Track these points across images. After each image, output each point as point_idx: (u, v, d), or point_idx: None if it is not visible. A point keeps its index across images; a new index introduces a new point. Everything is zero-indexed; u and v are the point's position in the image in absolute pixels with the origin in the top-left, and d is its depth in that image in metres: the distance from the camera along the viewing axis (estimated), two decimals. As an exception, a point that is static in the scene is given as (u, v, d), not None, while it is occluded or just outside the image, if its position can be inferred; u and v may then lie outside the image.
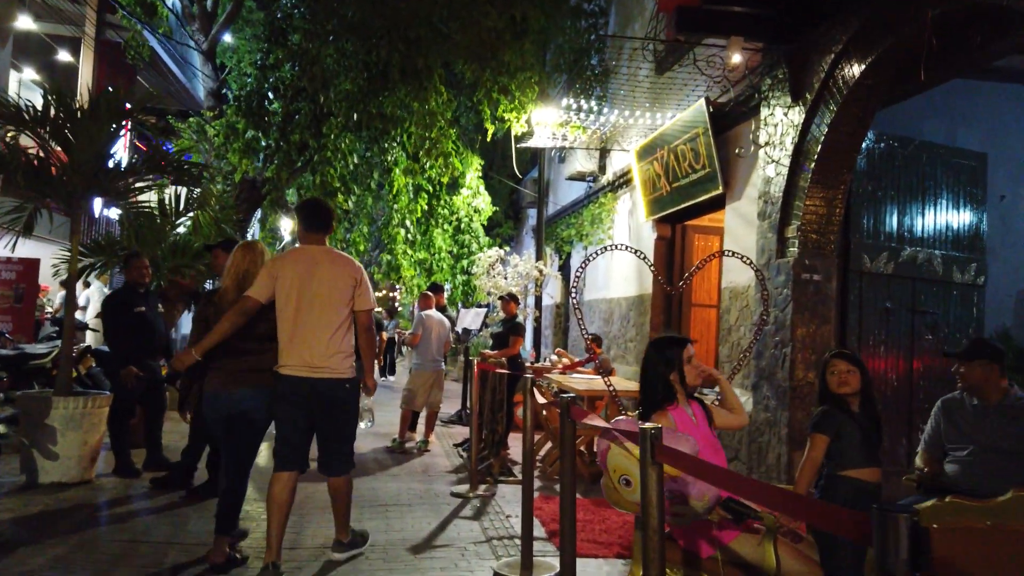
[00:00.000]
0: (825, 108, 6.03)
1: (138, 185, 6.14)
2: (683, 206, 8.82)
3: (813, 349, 6.21)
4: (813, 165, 6.13)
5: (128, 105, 5.88)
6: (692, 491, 2.71)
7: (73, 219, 5.61)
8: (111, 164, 5.88)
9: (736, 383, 7.34)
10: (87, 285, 11.67)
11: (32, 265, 10.27)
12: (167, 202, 7.21)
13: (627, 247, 6.23)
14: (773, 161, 6.65)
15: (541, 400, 4.56)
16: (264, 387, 3.93)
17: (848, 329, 6.45)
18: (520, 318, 8.56)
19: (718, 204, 8.26)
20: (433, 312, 8.15)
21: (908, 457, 6.66)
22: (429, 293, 8.38)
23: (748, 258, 6.17)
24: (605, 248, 6.08)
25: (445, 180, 9.52)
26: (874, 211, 6.68)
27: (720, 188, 7.84)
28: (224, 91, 11.35)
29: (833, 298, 6.31)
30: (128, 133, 11.83)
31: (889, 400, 6.55)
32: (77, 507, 5.04)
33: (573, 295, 6.03)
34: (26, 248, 12.09)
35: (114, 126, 5.73)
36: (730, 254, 6.10)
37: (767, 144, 6.76)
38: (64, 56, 15.70)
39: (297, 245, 4.24)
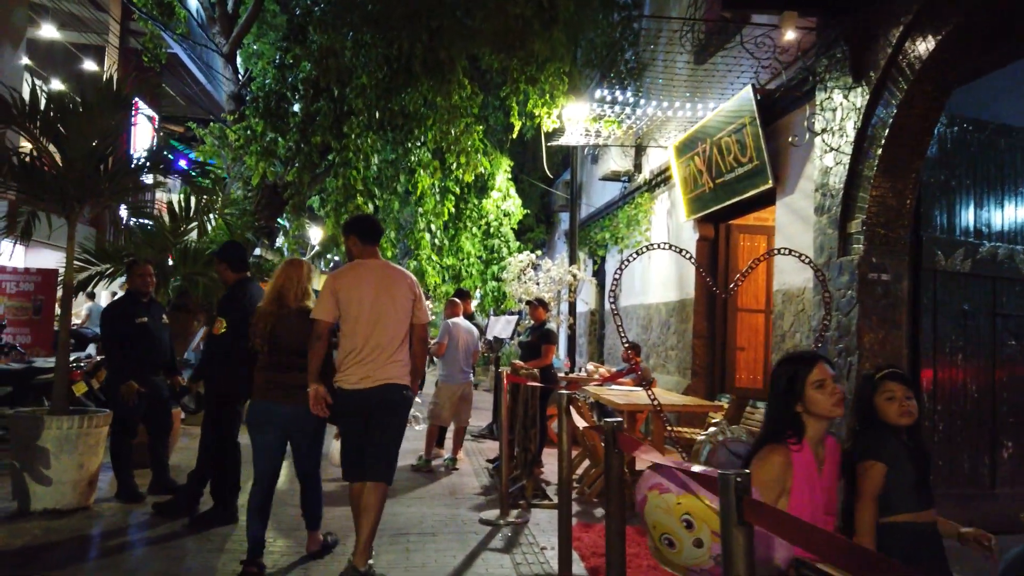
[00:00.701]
0: (893, 87, 5.38)
1: (140, 186, 5.69)
2: (728, 203, 8.19)
3: (883, 357, 5.53)
4: (880, 151, 5.48)
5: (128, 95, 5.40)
6: (778, 553, 2.10)
7: (69, 222, 5.19)
8: (112, 162, 5.45)
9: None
10: (91, 297, 11.35)
11: (50, 276, 9.97)
12: (178, 205, 6.79)
13: (671, 246, 5.63)
14: (832, 149, 6.00)
15: (580, 423, 3.95)
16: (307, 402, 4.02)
17: (922, 335, 5.77)
18: (551, 324, 7.98)
19: (767, 200, 7.62)
20: (460, 320, 7.61)
21: (992, 480, 5.95)
22: (456, 300, 7.84)
23: (806, 256, 5.54)
24: (647, 247, 5.49)
25: (469, 178, 9.00)
26: (947, 203, 6.00)
27: (770, 182, 7.20)
28: (245, 94, 10.99)
29: (904, 300, 5.63)
30: (135, 128, 11.52)
31: (969, 415, 5.85)
32: (68, 538, 4.58)
33: (611, 300, 5.45)
34: (42, 258, 11.87)
35: (113, 121, 5.29)
36: (786, 252, 5.48)
37: (824, 131, 6.12)
38: (90, 65, 15.60)
39: (355, 261, 4.25)
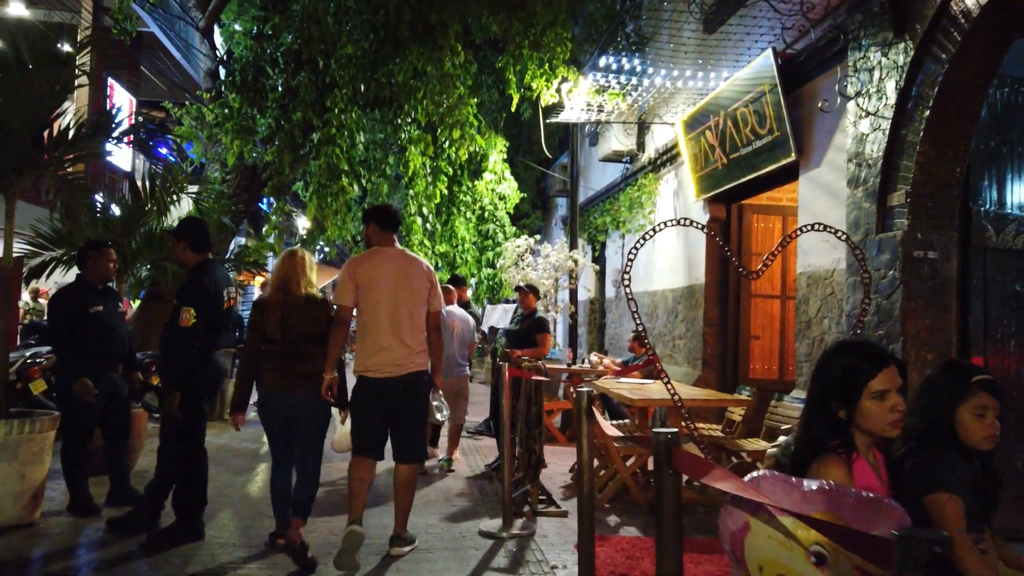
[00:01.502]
0: (944, 39, 4.77)
1: (95, 152, 5.03)
2: (743, 180, 7.58)
3: (930, 346, 4.95)
4: (927, 113, 4.87)
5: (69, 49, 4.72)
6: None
7: (7, 199, 4.53)
8: (57, 130, 4.78)
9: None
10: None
11: (16, 264, 9.30)
12: (140, 184, 6.13)
13: (692, 222, 5.01)
14: (868, 114, 5.39)
15: (613, 432, 3.31)
16: (319, 388, 4.05)
17: (971, 320, 5.17)
18: (541, 312, 7.36)
19: (788, 175, 7.01)
20: (455, 308, 6.97)
21: (1048, 479, 5.37)
22: (450, 287, 7.20)
23: (843, 233, 4.93)
24: (666, 224, 4.87)
25: (463, 155, 8.34)
26: (997, 172, 5.39)
27: (792, 155, 6.59)
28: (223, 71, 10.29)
29: (954, 281, 5.04)
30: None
31: (1023, 409, 5.26)
32: (1, 561, 3.95)
33: (625, 284, 4.83)
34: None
35: (56, 81, 4.62)
36: (820, 228, 4.86)
37: (859, 94, 5.51)
38: (66, 47, 14.85)
39: (373, 248, 4.32)
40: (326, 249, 24.52)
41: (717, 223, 8.68)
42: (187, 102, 10.69)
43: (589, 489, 3.00)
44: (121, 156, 15.82)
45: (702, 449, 5.03)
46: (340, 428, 4.72)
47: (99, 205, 6.87)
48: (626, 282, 4.95)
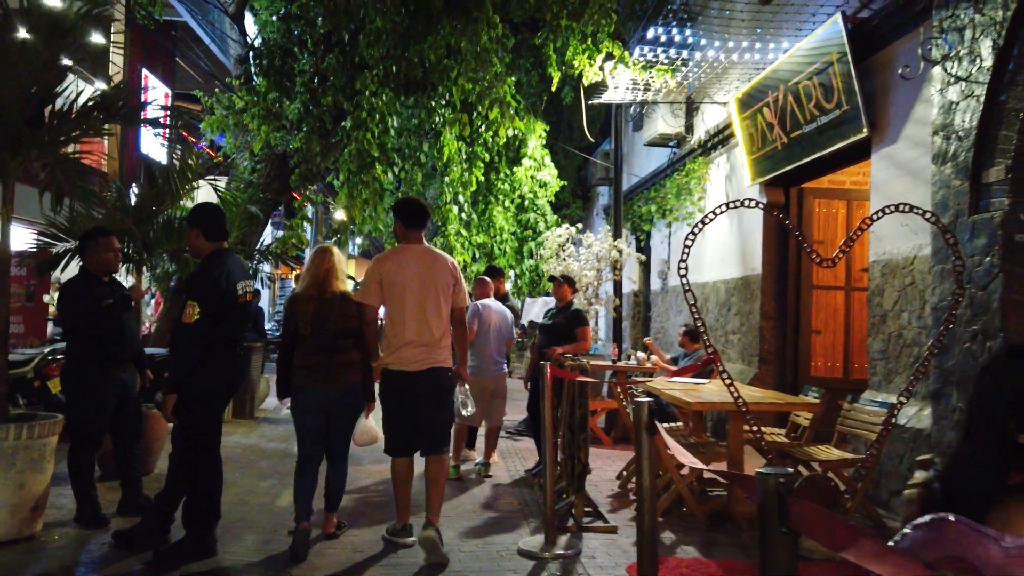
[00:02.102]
0: (1056, -13, 4.10)
1: (99, 129, 4.64)
2: (806, 161, 6.94)
3: (1036, 342, 4.29)
4: (1034, 75, 4.21)
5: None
6: None
7: (3, 183, 4.16)
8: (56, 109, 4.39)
9: (896, 388, 5.48)
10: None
11: (31, 256, 9.09)
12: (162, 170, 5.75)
13: (758, 204, 4.44)
14: (958, 80, 4.74)
15: (686, 459, 2.74)
16: (352, 382, 4.27)
17: (1083, 313, 4.49)
18: (580, 305, 6.84)
19: (859, 154, 6.38)
20: (491, 302, 6.47)
21: None
22: (485, 278, 6.70)
23: (932, 214, 4.32)
24: (729, 205, 4.32)
25: (502, 138, 7.85)
26: (1111, 144, 4.69)
27: (864, 130, 5.95)
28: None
29: (1063, 268, 4.38)
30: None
31: None
32: (-6, 582, 3.59)
33: (682, 271, 4.29)
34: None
35: (57, 55, 4.24)
36: (905, 209, 4.25)
37: (947, 58, 4.85)
38: (97, 38, 14.72)
39: (398, 245, 4.39)
40: (358, 240, 24.26)
41: (775, 209, 8.03)
42: (217, 90, 10.36)
43: (651, 522, 2.47)
44: (159, 151, 15.70)
45: (769, 460, 4.47)
46: (362, 422, 4.62)
47: (115, 192, 6.49)
48: (683, 271, 4.41)
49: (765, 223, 8.03)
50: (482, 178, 9.32)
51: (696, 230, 4.42)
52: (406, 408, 4.18)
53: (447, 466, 4.38)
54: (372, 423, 4.61)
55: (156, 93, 15.42)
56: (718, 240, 9.23)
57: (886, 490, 5.34)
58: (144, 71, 14.79)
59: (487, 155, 9.23)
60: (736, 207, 4.37)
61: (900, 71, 5.26)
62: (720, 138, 9.14)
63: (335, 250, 4.46)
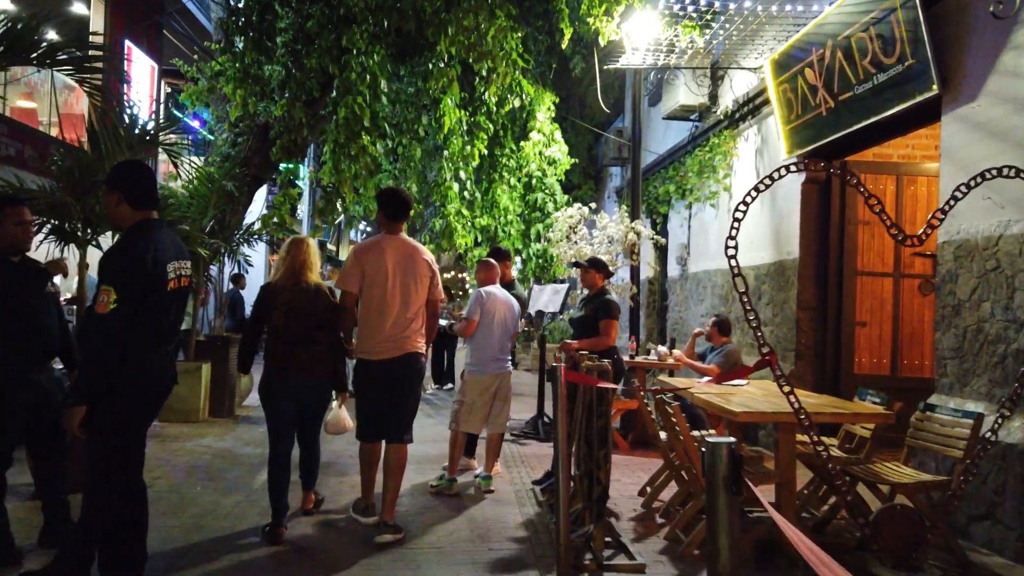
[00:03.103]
0: None
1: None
2: (857, 127, 6.03)
3: None
4: None
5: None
6: None
7: None
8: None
9: (973, 393, 4.60)
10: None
11: None
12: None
13: (824, 166, 3.56)
14: (1070, 15, 3.82)
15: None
16: (321, 374, 4.37)
17: None
18: (612, 294, 5.96)
19: (925, 116, 5.47)
20: (496, 289, 5.57)
21: None
22: (491, 260, 5.76)
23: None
24: (788, 169, 3.44)
25: (508, 104, 6.98)
26: None
27: (935, 87, 5.03)
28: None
29: None
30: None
31: None
32: None
33: (731, 250, 3.43)
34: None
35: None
36: (1011, 174, 3.37)
37: (1053, -10, 3.94)
38: (79, 7, 13.81)
39: (380, 235, 4.49)
40: (368, 229, 23.39)
41: (815, 185, 7.13)
42: (197, 58, 9.50)
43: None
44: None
45: (838, 486, 3.61)
46: (334, 411, 4.78)
47: (61, 159, 5.62)
48: (732, 250, 3.56)
49: (804, 200, 7.13)
50: (485, 152, 8.43)
51: (749, 199, 3.56)
52: (380, 394, 4.30)
53: (405, 455, 4.39)
54: (344, 413, 4.79)
55: (141, 67, 14.56)
56: (747, 221, 8.31)
57: (964, 515, 4.47)
58: (127, 43, 13.91)
59: (491, 126, 8.33)
60: (796, 171, 3.49)
61: (991, 8, 4.34)
62: (750, 108, 8.22)
63: (311, 241, 4.56)
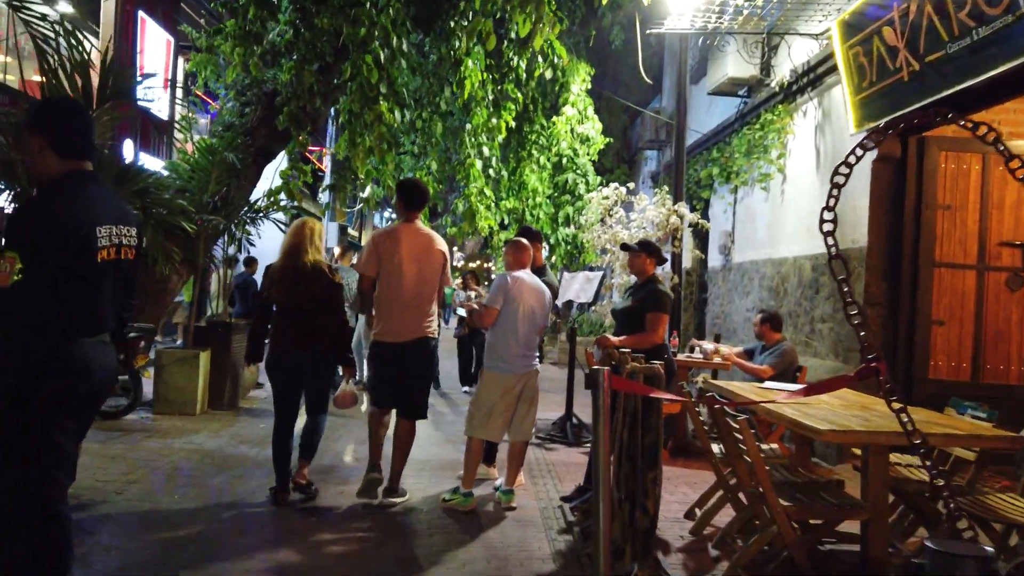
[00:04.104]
0: None
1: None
2: (948, 93, 5.16)
3: None
4: None
5: None
6: None
7: None
8: None
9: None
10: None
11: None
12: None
13: (971, 124, 2.75)
14: None
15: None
16: (320, 347, 4.49)
17: None
18: (664, 285, 5.16)
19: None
20: (524, 274, 4.75)
21: None
22: (522, 240, 4.91)
23: None
24: (937, 116, 2.63)
25: (539, 69, 6.20)
26: None
27: (1056, 40, 4.16)
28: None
29: None
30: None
31: None
32: None
33: (827, 222, 2.61)
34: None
35: None
36: None
37: None
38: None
39: (397, 223, 4.71)
40: (392, 216, 22.73)
41: (888, 163, 6.28)
42: (204, 21, 8.81)
43: None
44: (159, 104, 14.25)
45: (960, 524, 2.81)
46: (343, 386, 4.81)
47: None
48: (829, 224, 2.77)
49: (874, 181, 6.27)
50: (513, 125, 7.64)
51: (853, 158, 2.76)
52: (393, 374, 4.50)
53: (413, 431, 4.62)
54: (352, 387, 4.81)
55: (155, 40, 13.96)
56: (802, 205, 7.49)
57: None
58: (140, 14, 13.30)
59: (520, 95, 7.54)
60: (948, 120, 2.70)
61: None
62: (810, 78, 7.36)
63: (313, 222, 4.68)
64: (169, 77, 14.59)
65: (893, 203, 6.27)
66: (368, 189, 8.86)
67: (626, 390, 3.15)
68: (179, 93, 14.27)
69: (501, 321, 4.55)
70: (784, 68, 7.86)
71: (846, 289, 2.79)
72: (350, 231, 21.58)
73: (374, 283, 4.51)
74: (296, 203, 7.06)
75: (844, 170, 2.85)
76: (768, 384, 4.56)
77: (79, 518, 3.93)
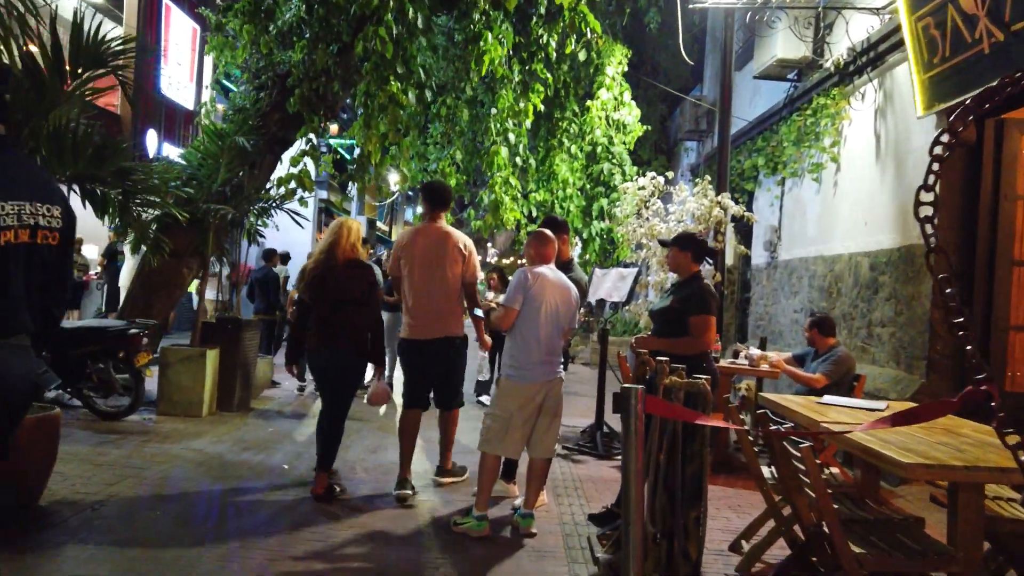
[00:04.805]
0: None
1: None
2: (1040, 65, 4.48)
3: None
4: None
5: None
6: None
7: None
8: None
9: None
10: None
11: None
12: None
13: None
14: None
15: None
16: (342, 348, 4.44)
17: None
18: (707, 281, 4.57)
19: None
20: (548, 269, 4.19)
21: None
22: (545, 231, 4.33)
23: None
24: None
25: (569, 48, 5.62)
26: None
27: None
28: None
29: None
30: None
31: None
32: None
33: (925, 205, 2.00)
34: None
35: None
36: None
37: None
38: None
39: (421, 223, 4.79)
40: (419, 210, 22.30)
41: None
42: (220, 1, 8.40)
43: None
44: (184, 93, 13.98)
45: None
46: (374, 384, 4.82)
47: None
48: (927, 206, 2.19)
49: (948, 166, 5.58)
50: (541, 108, 7.07)
51: (961, 122, 2.17)
52: (419, 369, 4.62)
53: (456, 417, 4.81)
54: (383, 385, 4.82)
55: (181, 29, 13.67)
56: (859, 197, 6.82)
57: None
58: (165, 0, 13.01)
59: (549, 77, 6.97)
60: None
61: None
62: (869, 57, 6.69)
63: (351, 222, 4.65)
64: (195, 66, 14.36)
65: (966, 194, 5.62)
66: (395, 177, 8.39)
67: (664, 415, 2.59)
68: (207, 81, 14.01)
69: (520, 323, 4.01)
70: (840, 47, 7.19)
71: (949, 290, 2.20)
72: (380, 225, 21.20)
73: (399, 280, 4.66)
74: (309, 192, 6.59)
75: (946, 139, 2.25)
76: (829, 399, 3.94)
77: (39, 541, 3.51)
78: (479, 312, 4.81)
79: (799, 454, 2.72)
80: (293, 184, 6.61)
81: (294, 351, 4.74)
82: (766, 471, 3.52)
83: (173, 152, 12.17)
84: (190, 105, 13.88)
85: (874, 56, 6.60)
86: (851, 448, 3.08)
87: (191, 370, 6.62)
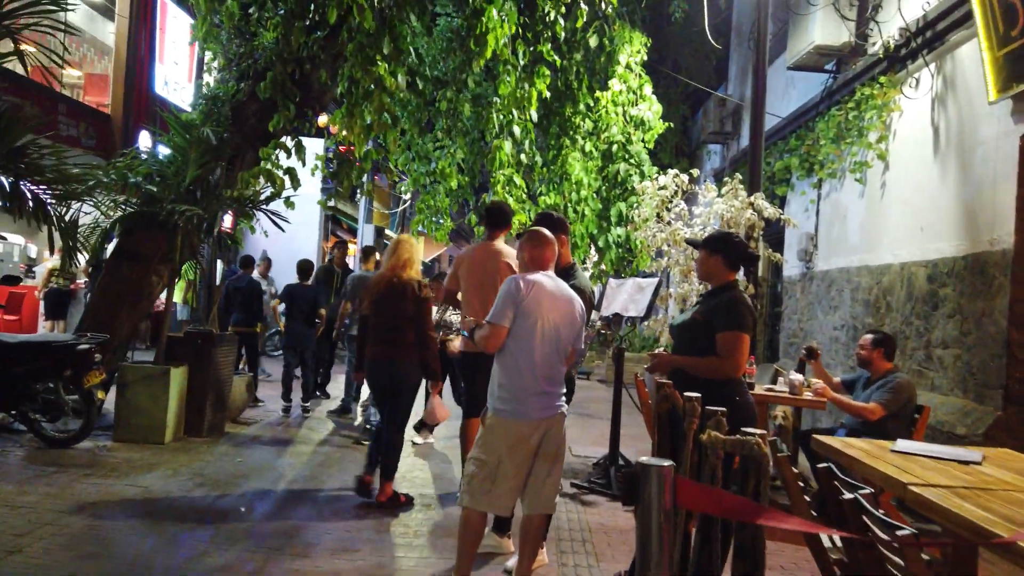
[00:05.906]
0: None
1: None
2: None
3: None
4: None
5: None
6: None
7: None
8: None
9: None
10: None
11: None
12: None
13: None
14: None
15: None
16: (395, 361, 4.65)
17: None
18: (744, 295, 3.71)
19: None
20: (545, 277, 3.35)
21: None
22: (541, 230, 3.53)
23: None
24: None
25: (581, 20, 4.85)
26: None
27: None
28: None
29: None
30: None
31: None
32: None
33: None
34: None
35: None
36: None
37: None
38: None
39: (477, 244, 4.91)
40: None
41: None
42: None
43: None
44: (183, 94, 13.38)
45: None
46: (432, 400, 4.78)
47: None
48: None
49: (1023, 164, 4.73)
50: (547, 93, 6.27)
51: None
52: (477, 379, 4.36)
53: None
54: (440, 402, 4.80)
55: (178, 25, 13.07)
56: (914, 199, 5.96)
57: None
58: (158, -6, 12.42)
59: (557, 60, 6.18)
60: None
61: None
62: (925, 38, 5.84)
63: (408, 240, 4.90)
64: (194, 66, 13.76)
65: (1050, 192, 4.73)
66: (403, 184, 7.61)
67: (708, 511, 1.75)
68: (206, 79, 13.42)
69: (511, 343, 3.19)
70: (890, 28, 6.34)
71: None
72: (387, 232, 20.50)
73: (455, 296, 4.73)
74: (278, 193, 5.85)
75: None
76: (903, 445, 3.08)
77: None
78: (462, 333, 4.21)
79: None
80: (262, 180, 5.86)
81: (360, 361, 4.90)
82: (826, 540, 2.67)
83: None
84: (186, 106, 13.26)
85: (931, 36, 5.76)
86: (930, 512, 2.21)
87: (152, 390, 5.87)
